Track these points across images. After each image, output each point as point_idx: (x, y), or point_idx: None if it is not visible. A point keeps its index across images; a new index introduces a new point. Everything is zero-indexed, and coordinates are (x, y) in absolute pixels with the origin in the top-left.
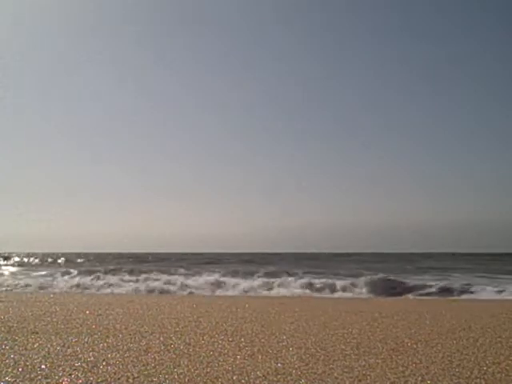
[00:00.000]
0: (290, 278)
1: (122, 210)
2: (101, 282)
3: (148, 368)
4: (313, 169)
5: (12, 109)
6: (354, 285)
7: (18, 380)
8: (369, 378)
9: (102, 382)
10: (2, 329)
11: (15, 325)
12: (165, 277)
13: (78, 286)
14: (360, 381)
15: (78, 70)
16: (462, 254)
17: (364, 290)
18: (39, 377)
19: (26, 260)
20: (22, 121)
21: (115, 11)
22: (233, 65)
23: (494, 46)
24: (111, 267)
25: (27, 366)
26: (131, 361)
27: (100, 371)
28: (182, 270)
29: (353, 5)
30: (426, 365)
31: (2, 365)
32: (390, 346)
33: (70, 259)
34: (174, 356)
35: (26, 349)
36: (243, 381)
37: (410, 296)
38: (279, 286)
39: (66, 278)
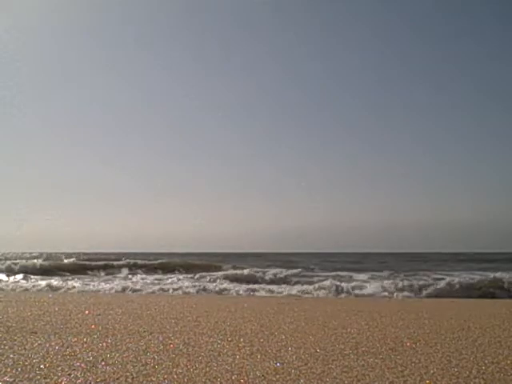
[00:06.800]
0: None
1: (122, 210)
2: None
3: (147, 368)
4: (313, 169)
5: (12, 109)
6: None
7: (16, 380)
8: (368, 377)
9: (100, 381)
10: (1, 328)
11: (14, 324)
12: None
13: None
14: (359, 380)
15: (79, 69)
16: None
17: None
18: (38, 376)
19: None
20: (22, 121)
21: (115, 11)
22: (233, 64)
23: (494, 46)
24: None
25: (26, 365)
26: (130, 360)
27: (99, 371)
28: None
29: (353, 4)
30: (425, 364)
31: (1, 364)
32: (388, 345)
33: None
34: (173, 356)
35: (24, 348)
36: (242, 380)
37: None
38: None
39: None
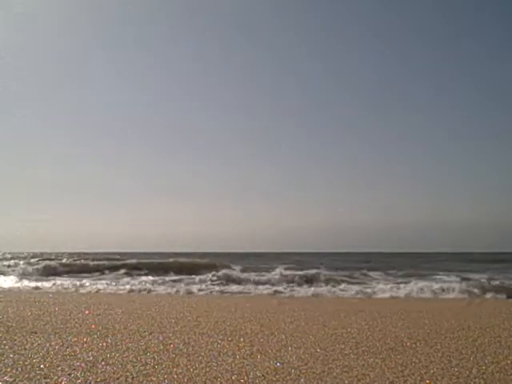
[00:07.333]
0: None
1: (122, 210)
2: None
3: (147, 368)
4: (313, 169)
5: (11, 108)
6: None
7: (17, 380)
8: (368, 377)
9: (100, 381)
10: (1, 328)
11: (14, 324)
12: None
13: None
14: (359, 380)
15: (79, 69)
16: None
17: None
18: (38, 376)
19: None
20: (22, 121)
21: (115, 11)
22: (233, 64)
23: (494, 47)
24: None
25: (26, 365)
26: (130, 360)
27: (99, 371)
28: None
29: (353, 4)
30: (425, 364)
31: (1, 364)
32: (389, 345)
33: None
34: (173, 356)
35: (24, 348)
36: (242, 380)
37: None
38: None
39: None
